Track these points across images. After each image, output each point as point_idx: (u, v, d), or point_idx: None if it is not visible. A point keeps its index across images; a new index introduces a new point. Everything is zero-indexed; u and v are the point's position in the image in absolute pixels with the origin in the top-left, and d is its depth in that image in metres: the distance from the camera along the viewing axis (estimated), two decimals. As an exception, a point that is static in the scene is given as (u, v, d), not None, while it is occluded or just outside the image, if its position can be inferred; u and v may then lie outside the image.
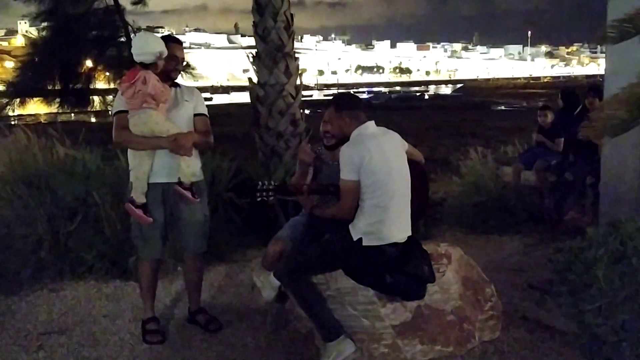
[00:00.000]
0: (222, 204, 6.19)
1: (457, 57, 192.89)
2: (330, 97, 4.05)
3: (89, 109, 11.69)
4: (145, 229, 4.03)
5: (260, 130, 7.58)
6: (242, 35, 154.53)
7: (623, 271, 2.12)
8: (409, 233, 3.75)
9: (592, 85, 7.34)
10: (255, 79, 7.73)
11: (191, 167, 3.97)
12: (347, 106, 3.78)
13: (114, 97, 4.53)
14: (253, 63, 7.67)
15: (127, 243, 5.05)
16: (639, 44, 3.94)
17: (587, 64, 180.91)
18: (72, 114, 18.45)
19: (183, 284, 4.77)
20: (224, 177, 6.37)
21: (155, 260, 4.19)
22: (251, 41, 8.09)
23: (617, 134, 3.40)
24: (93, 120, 20.11)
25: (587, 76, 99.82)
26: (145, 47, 3.83)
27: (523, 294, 4.88)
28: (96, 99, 11.06)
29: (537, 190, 7.42)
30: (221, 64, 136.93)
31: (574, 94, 7.98)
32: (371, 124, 3.73)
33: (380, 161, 3.56)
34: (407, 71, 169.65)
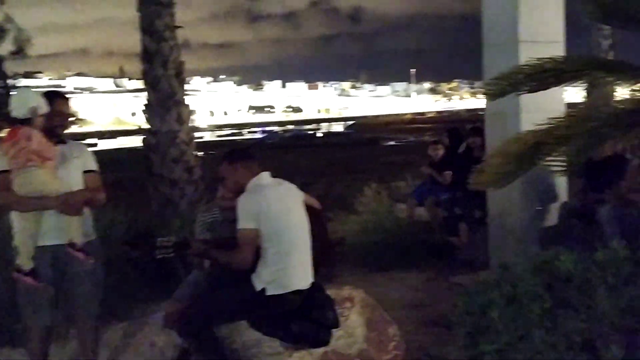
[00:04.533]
0: (116, 258, 5.94)
1: (347, 95, 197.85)
2: (222, 156, 4.02)
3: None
4: (34, 295, 3.78)
5: (153, 179, 7.42)
6: (129, 79, 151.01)
7: (516, 312, 2.25)
8: (312, 279, 3.78)
9: (474, 127, 7.77)
10: (146, 127, 7.60)
11: (83, 227, 3.81)
12: (240, 158, 3.83)
13: None
14: (144, 111, 7.55)
15: (13, 306, 4.72)
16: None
17: (467, 99, 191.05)
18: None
19: (78, 346, 4.50)
20: (117, 230, 6.14)
21: (46, 327, 3.94)
22: (138, 84, 7.98)
23: (502, 186, 3.67)
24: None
25: (468, 110, 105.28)
26: (17, 102, 3.70)
27: (425, 330, 5.00)
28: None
29: (430, 225, 7.68)
30: (107, 108, 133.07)
31: (458, 133, 8.41)
32: (266, 175, 3.79)
33: (279, 209, 3.61)
34: (299, 110, 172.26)
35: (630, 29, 3.78)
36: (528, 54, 4.44)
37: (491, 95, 3.95)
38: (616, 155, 5.69)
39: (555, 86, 3.79)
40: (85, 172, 3.92)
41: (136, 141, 8.08)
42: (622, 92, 3.98)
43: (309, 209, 3.88)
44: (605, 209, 5.24)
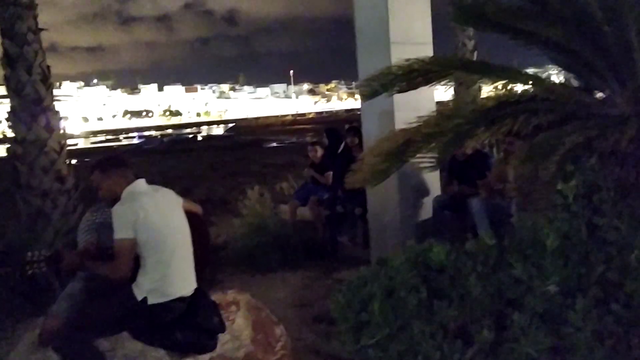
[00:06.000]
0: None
1: (226, 98, 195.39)
2: (93, 164, 3.86)
3: None
4: None
5: (22, 190, 7.00)
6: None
7: (394, 305, 2.33)
8: (195, 286, 3.73)
9: (351, 126, 7.95)
10: (11, 135, 7.17)
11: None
12: (113, 165, 3.71)
13: None
14: (8, 119, 7.11)
15: None
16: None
17: (345, 99, 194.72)
18: None
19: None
20: (-17, 246, 5.75)
21: None
22: (3, 91, 7.49)
23: (378, 182, 3.80)
24: None
25: (347, 110, 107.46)
26: None
27: (311, 328, 5.07)
28: None
29: (313, 224, 7.79)
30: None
31: (337, 133, 8.58)
32: (142, 182, 3.70)
33: (157, 217, 3.53)
34: (177, 114, 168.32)
35: (487, 31, 4.03)
36: (399, 55, 4.60)
37: (364, 96, 4.09)
38: (477, 152, 6.07)
39: (424, 86, 3.98)
40: None
41: (2, 150, 7.67)
42: (487, 90, 4.23)
43: (189, 214, 3.83)
44: (475, 201, 5.57)
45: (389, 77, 3.84)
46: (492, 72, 3.85)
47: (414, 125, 3.70)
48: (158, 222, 3.52)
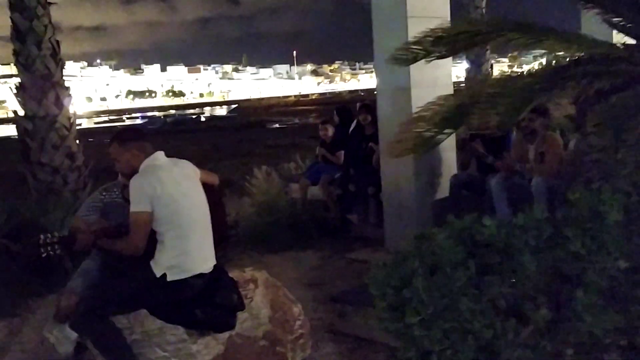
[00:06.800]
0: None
1: (229, 79, 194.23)
2: (111, 136, 3.78)
3: None
4: None
5: (32, 166, 6.94)
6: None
7: (440, 281, 2.22)
8: (214, 262, 3.66)
9: (363, 104, 7.83)
10: (21, 111, 7.10)
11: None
12: (132, 138, 3.63)
13: None
14: (18, 94, 7.03)
15: None
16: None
17: (348, 80, 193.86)
18: None
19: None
20: (-5, 222, 5.70)
21: None
22: (8, 70, 7.42)
23: (427, 150, 3.65)
24: None
25: (350, 91, 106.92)
26: None
27: (325, 307, 5.02)
28: None
29: (325, 203, 7.71)
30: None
31: (348, 111, 8.46)
32: (160, 155, 3.61)
33: (175, 190, 3.45)
34: (181, 94, 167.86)
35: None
36: (416, 29, 4.49)
37: (407, 60, 3.89)
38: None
39: (469, 49, 3.81)
40: None
41: (7, 129, 7.66)
42: (496, 71, 4.07)
43: (206, 186, 3.74)
44: (494, 179, 5.47)
45: (432, 41, 3.62)
46: (550, 34, 3.58)
47: (469, 88, 3.51)
48: (176, 197, 3.44)
